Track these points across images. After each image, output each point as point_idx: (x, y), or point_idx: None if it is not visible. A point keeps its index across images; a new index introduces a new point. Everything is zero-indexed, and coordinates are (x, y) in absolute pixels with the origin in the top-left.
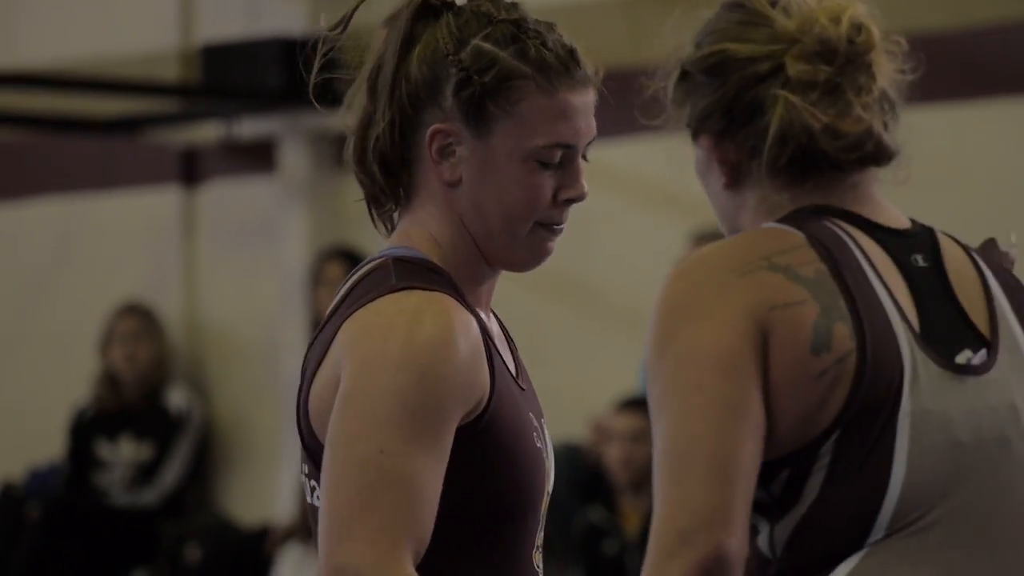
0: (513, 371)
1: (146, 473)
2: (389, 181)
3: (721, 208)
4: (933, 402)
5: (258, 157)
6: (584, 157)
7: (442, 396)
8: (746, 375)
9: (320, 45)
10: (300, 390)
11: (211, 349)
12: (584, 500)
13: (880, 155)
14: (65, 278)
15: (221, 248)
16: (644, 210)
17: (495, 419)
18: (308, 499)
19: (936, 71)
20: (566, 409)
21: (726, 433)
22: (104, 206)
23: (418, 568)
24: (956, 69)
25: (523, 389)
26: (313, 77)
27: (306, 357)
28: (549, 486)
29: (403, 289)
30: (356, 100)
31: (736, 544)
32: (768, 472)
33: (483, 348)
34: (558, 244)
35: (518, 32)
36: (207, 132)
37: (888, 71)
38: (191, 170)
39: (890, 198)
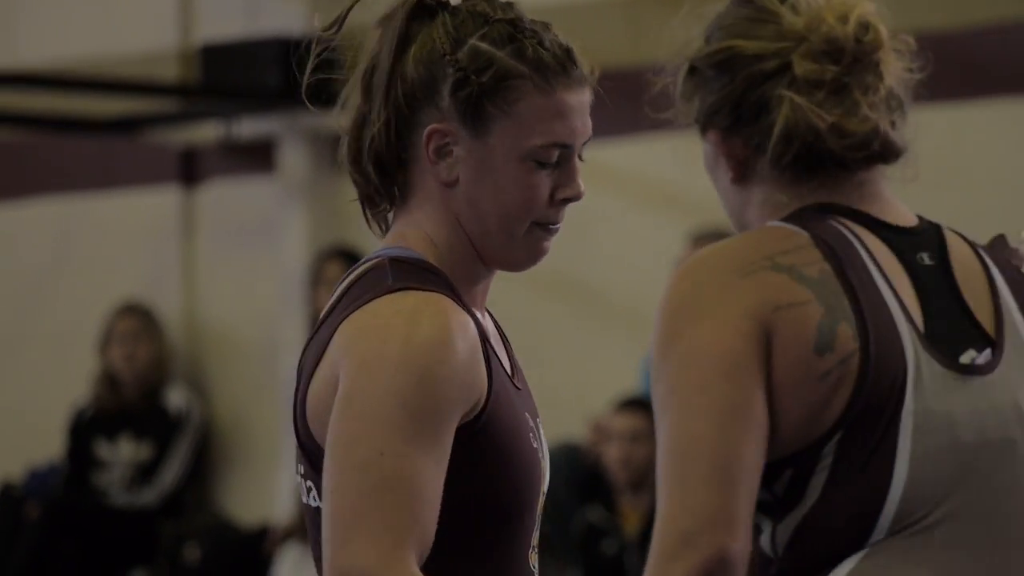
0: (509, 370)
1: (145, 473)
2: (384, 181)
3: (729, 203)
4: (936, 402)
5: (257, 157)
6: (580, 157)
7: (441, 397)
8: (749, 376)
9: (314, 45)
10: (296, 390)
11: (210, 349)
12: (583, 500)
13: (887, 153)
14: (65, 278)
15: (220, 248)
16: (644, 210)
17: (492, 419)
18: (304, 499)
19: (936, 71)
20: (565, 409)
21: (729, 434)
22: (103, 206)
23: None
24: (956, 69)
25: (519, 388)
26: (306, 77)
27: (302, 357)
28: (544, 486)
29: (400, 290)
30: (350, 100)
31: (739, 546)
32: (771, 472)
33: (480, 348)
34: (558, 244)
35: (515, 32)
36: (206, 132)
37: (896, 69)
38: (190, 170)
39: None
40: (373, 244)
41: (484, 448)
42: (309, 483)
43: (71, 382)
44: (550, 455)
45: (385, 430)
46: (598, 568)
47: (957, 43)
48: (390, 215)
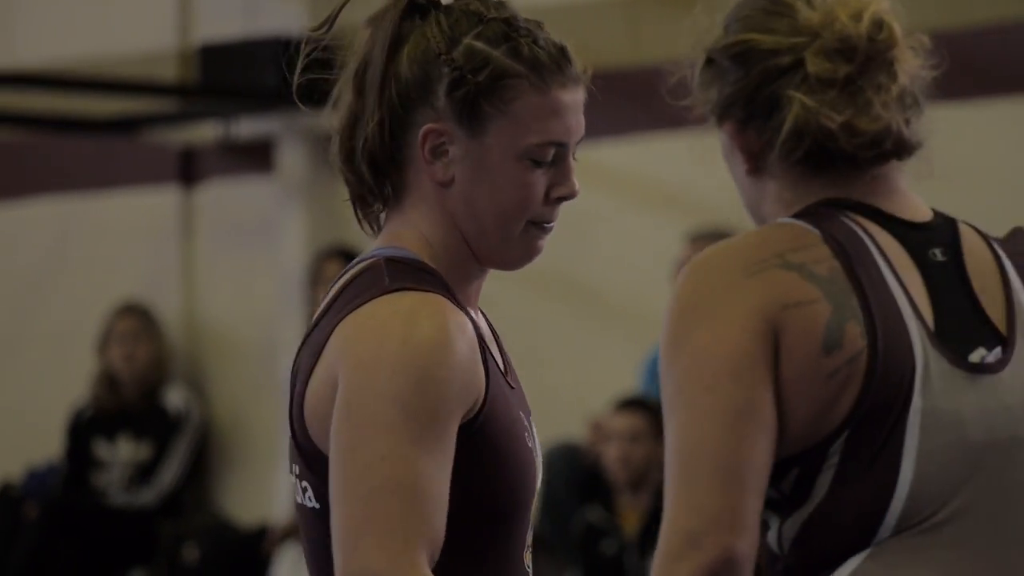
0: (502, 369)
1: (144, 473)
2: (377, 181)
3: (746, 194)
4: (944, 401)
5: (256, 157)
6: (573, 156)
7: (441, 398)
8: (757, 376)
9: (304, 45)
10: (293, 391)
11: (209, 349)
12: (582, 500)
13: (900, 150)
14: (64, 278)
15: (219, 248)
16: (642, 210)
17: (489, 420)
18: (298, 499)
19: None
20: (564, 409)
21: (736, 435)
22: (102, 206)
23: None
24: (956, 69)
25: (513, 387)
26: (297, 77)
27: (297, 358)
28: (537, 485)
29: (397, 290)
30: (342, 99)
31: (745, 547)
32: (778, 470)
33: (478, 349)
34: (557, 244)
35: (509, 30)
36: (205, 132)
37: (911, 67)
38: (189, 170)
39: None
40: (372, 244)
41: (481, 448)
42: (304, 483)
43: (70, 382)
44: (549, 455)
45: (386, 433)
46: (597, 568)
47: (957, 43)
48: (382, 215)
